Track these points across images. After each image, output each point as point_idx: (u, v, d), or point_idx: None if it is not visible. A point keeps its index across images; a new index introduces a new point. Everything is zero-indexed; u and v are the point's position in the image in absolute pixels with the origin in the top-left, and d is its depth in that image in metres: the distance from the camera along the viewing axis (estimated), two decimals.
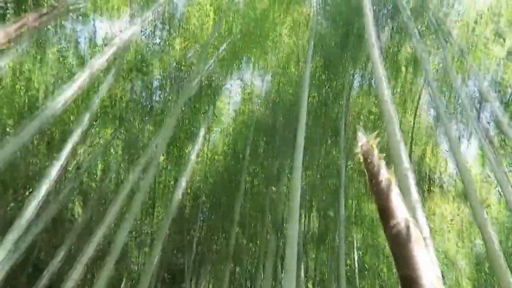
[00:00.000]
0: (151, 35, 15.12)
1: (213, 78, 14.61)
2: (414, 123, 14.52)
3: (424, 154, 15.16)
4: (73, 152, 11.69)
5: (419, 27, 12.91)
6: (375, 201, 2.40)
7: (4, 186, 12.40)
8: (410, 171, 4.51)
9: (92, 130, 13.57)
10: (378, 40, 7.36)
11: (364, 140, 2.72)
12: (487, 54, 12.73)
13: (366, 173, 2.59)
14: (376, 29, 13.80)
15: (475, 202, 7.35)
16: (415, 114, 14.87)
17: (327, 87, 15.10)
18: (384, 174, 2.42)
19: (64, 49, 14.31)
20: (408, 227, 2.07)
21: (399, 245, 2.03)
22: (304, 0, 13.78)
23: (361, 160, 2.64)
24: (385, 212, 2.25)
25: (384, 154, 2.56)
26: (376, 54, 6.48)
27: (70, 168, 12.16)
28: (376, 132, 2.69)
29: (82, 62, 14.49)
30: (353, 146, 13.69)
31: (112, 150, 15.02)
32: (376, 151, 2.59)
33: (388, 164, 2.57)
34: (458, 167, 8.28)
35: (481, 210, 7.33)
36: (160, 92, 14.13)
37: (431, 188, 14.38)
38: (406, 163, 4.56)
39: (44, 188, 7.76)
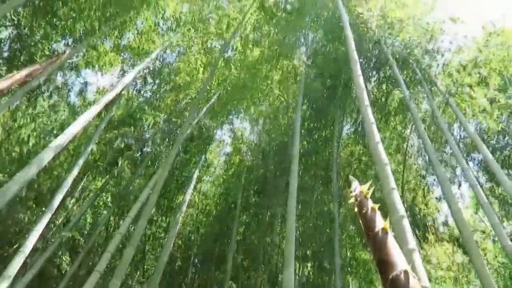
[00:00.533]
0: (142, 88, 15.39)
1: (204, 129, 14.71)
2: (404, 169, 14.60)
3: (415, 200, 15.13)
4: (62, 205, 11.52)
5: (405, 77, 13.29)
6: (372, 253, 2.35)
7: None
8: (405, 219, 4.46)
9: (82, 183, 13.43)
10: (366, 88, 7.52)
11: (357, 190, 2.70)
12: (471, 102, 13.04)
13: (361, 223, 2.55)
14: (364, 79, 14.20)
15: (473, 247, 7.28)
16: (405, 160, 15.00)
17: (316, 136, 15.26)
18: (380, 225, 2.38)
19: (55, 101, 14.42)
20: (407, 280, 2.01)
21: None
22: (293, 54, 14.14)
23: (355, 210, 2.61)
24: (383, 264, 2.19)
25: (379, 204, 2.53)
26: (365, 100, 6.57)
27: (58, 222, 11.92)
28: (369, 182, 2.68)
29: (73, 114, 14.59)
30: (345, 193, 13.66)
31: (101, 203, 14.85)
32: (370, 201, 2.57)
33: (382, 211, 2.54)
34: (452, 212, 8.24)
35: (479, 255, 7.23)
36: (150, 143, 14.13)
37: (426, 234, 14.24)
38: (401, 210, 4.52)
39: (31, 242, 7.58)
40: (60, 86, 14.56)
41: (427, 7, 13.78)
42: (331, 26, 13.95)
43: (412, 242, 4.04)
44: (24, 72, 5.66)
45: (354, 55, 8.03)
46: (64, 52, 9.45)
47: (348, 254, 15.50)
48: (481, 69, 13.15)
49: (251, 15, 13.37)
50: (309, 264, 15.51)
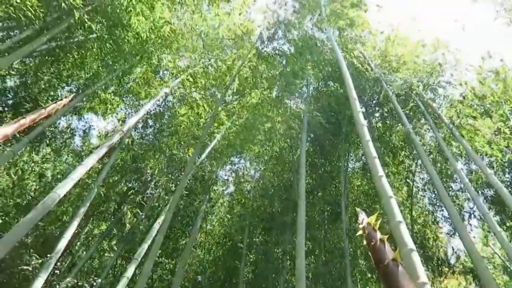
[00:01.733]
0: (144, 132, 15.54)
1: (207, 170, 14.72)
2: (411, 204, 14.50)
3: (425, 234, 14.87)
4: (67, 250, 11.40)
5: (407, 112, 13.38)
6: (383, 285, 2.28)
7: None
8: (415, 252, 4.37)
9: (87, 228, 13.35)
10: (368, 123, 7.62)
11: (365, 222, 2.65)
12: (475, 134, 13.04)
13: (371, 256, 2.49)
14: (368, 115, 14.35)
15: (488, 278, 7.12)
16: (412, 195, 14.90)
17: (322, 171, 15.22)
18: (390, 256, 2.32)
19: (58, 146, 14.55)
20: None
21: None
22: (294, 93, 14.34)
23: (365, 243, 2.56)
24: None
25: (387, 235, 2.48)
26: (366, 135, 6.62)
27: (63, 268, 11.75)
28: (376, 214, 2.63)
29: (77, 158, 14.69)
30: (354, 228, 13.48)
31: (107, 246, 14.68)
32: (378, 233, 2.52)
33: (390, 245, 2.49)
34: (465, 245, 8.10)
35: (494, 285, 7.05)
36: (154, 186, 14.11)
37: (439, 268, 13.92)
38: (410, 243, 4.43)
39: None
40: (63, 130, 14.75)
41: (428, 48, 14.04)
42: (331, 67, 14.20)
43: (423, 275, 3.94)
44: (29, 118, 5.72)
45: (353, 93, 8.21)
46: (67, 97, 9.61)
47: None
48: (483, 100, 13.24)
49: (249, 61, 13.63)
50: None
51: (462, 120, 13.01)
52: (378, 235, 2.49)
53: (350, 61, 13.32)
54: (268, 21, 13.97)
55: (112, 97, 14.85)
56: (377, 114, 15.21)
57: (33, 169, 13.64)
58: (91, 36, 11.01)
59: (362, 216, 2.78)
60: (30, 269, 10.08)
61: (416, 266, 3.98)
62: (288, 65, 13.43)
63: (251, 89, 13.72)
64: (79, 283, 10.74)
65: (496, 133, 12.79)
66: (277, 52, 13.70)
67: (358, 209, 3.01)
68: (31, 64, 12.24)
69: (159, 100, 13.82)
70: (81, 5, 9.19)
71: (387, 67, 13.88)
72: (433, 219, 15.67)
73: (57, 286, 10.26)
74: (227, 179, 18.13)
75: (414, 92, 13.39)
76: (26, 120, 5.95)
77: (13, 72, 12.15)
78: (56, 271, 10.39)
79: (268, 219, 15.28)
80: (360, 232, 2.64)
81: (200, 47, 13.32)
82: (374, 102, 14.82)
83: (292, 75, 13.04)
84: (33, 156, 13.80)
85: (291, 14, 14.42)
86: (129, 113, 15.74)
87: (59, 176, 13.93)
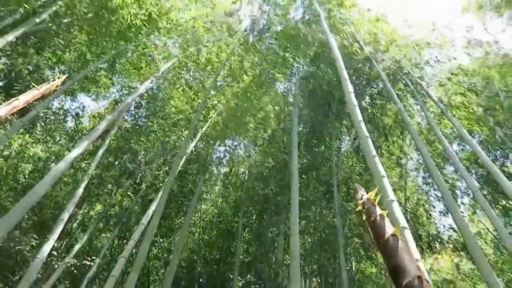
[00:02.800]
0: (137, 114, 15.47)
1: (201, 152, 14.70)
2: (405, 183, 14.67)
3: (417, 212, 15.06)
4: (65, 232, 11.43)
5: (397, 92, 13.43)
6: (384, 260, 2.33)
7: None
8: (407, 230, 4.48)
9: (82, 209, 13.36)
10: (359, 104, 7.62)
11: (364, 197, 2.68)
12: (465, 111, 13.13)
13: (370, 232, 2.52)
14: (358, 96, 14.37)
15: (478, 254, 7.28)
16: (404, 175, 15.08)
17: (315, 152, 15.29)
18: (390, 231, 2.36)
19: (52, 127, 14.46)
20: (421, 286, 1.99)
21: None
22: (284, 77, 14.27)
23: (363, 218, 2.58)
24: (395, 271, 2.17)
25: (387, 211, 2.52)
26: (358, 115, 6.66)
27: (61, 249, 11.81)
28: (375, 189, 2.66)
29: (70, 139, 14.62)
30: (345, 206, 13.63)
31: (103, 227, 14.76)
32: (378, 208, 2.54)
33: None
34: (456, 223, 8.25)
35: (485, 262, 7.20)
36: (148, 168, 14.11)
37: (430, 244, 14.15)
38: (402, 222, 4.54)
39: (35, 271, 7.52)
40: (56, 112, 14.63)
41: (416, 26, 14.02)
42: (321, 48, 14.12)
43: (416, 252, 4.05)
44: (22, 99, 5.63)
45: (344, 73, 8.21)
46: (60, 78, 9.50)
47: (354, 267, 15.33)
48: (472, 77, 13.28)
49: (239, 47, 13.50)
50: (314, 280, 15.36)
51: (451, 97, 13.09)
52: (378, 210, 2.51)
53: (340, 42, 13.25)
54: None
55: (103, 79, 14.74)
56: (367, 96, 15.20)
57: (27, 152, 13.54)
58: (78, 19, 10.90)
59: (361, 191, 2.80)
60: (28, 249, 10.13)
61: (409, 244, 4.10)
62: (278, 50, 13.37)
63: (240, 74, 13.58)
64: (77, 264, 10.81)
65: (487, 110, 12.90)
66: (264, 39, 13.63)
67: (356, 185, 3.03)
68: (19, 47, 12.08)
69: (151, 82, 13.72)
70: None
71: (376, 47, 13.81)
72: (426, 198, 15.87)
73: (56, 267, 10.33)
74: (222, 161, 18.16)
75: (403, 71, 13.40)
76: (20, 102, 5.84)
77: (1, 54, 11.98)
78: (54, 252, 10.42)
79: (262, 201, 15.41)
80: (360, 207, 2.66)
81: (189, 30, 13.13)
82: (364, 82, 14.81)
83: (281, 60, 13.01)
84: (26, 139, 13.69)
85: None
86: (121, 95, 15.65)
87: (53, 158, 13.86)
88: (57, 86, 6.37)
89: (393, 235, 2.31)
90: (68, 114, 15.23)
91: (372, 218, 2.48)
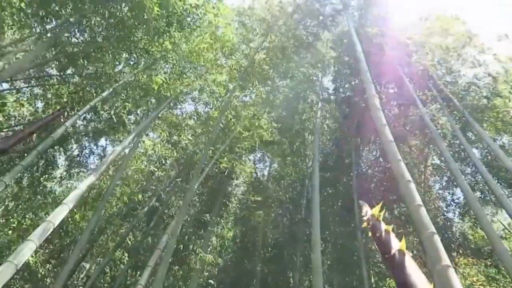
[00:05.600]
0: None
1: (216, 173, 14.57)
2: (427, 187, 14.45)
3: (437, 217, 14.73)
4: (79, 264, 11.43)
5: (421, 96, 13.24)
6: (392, 275, 2.27)
7: None
8: (436, 235, 4.26)
9: (98, 240, 13.35)
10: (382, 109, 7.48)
11: (369, 213, 2.63)
12: (492, 115, 12.84)
13: (377, 248, 2.47)
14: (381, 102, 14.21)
15: (507, 258, 7.11)
16: (425, 178, 14.83)
17: (335, 166, 15.23)
18: (396, 247, 2.30)
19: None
20: None
21: None
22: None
23: (370, 235, 2.54)
24: (404, 286, 2.12)
25: (392, 226, 2.46)
26: (382, 119, 6.51)
27: (77, 282, 11.79)
28: (379, 205, 2.61)
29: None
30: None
31: (118, 258, 14.62)
32: (383, 224, 2.49)
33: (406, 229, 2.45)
34: (482, 226, 8.14)
35: None
36: (163, 196, 14.05)
37: (459, 251, 13.82)
38: (430, 227, 4.34)
39: None
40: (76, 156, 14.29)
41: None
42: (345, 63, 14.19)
43: (446, 259, 3.84)
44: (27, 130, 5.75)
45: (368, 76, 8.19)
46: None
47: (376, 282, 15.00)
48: (497, 81, 12.98)
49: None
50: None
51: (475, 102, 12.79)
52: (383, 226, 2.46)
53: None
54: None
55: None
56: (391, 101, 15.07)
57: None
58: None
59: (365, 208, 2.75)
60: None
61: (439, 249, 3.91)
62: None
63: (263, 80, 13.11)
64: None
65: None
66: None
67: (361, 202, 2.99)
68: None
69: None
70: None
71: (405, 49, 13.57)
72: (446, 204, 15.58)
73: None
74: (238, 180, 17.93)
75: (429, 75, 13.24)
76: (25, 133, 6.00)
77: None
78: (68, 283, 10.41)
79: (280, 215, 15.26)
80: (365, 224, 2.61)
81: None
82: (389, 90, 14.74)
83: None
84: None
85: None
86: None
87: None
88: (53, 119, 6.53)
89: (399, 250, 2.26)
90: (89, 157, 14.66)
91: (378, 234, 2.44)
